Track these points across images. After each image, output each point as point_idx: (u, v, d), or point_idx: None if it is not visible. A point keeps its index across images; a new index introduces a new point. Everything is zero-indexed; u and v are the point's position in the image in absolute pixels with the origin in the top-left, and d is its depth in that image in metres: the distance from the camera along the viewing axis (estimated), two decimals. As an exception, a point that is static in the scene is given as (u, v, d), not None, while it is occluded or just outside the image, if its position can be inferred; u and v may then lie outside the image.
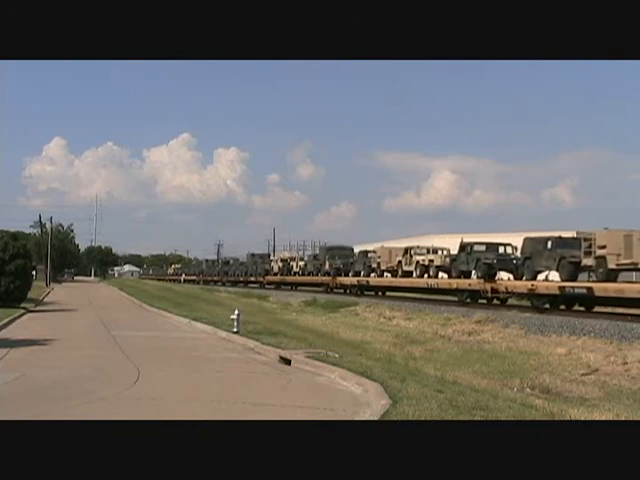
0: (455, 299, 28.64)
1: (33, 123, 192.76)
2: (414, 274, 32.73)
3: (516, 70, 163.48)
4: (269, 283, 52.22)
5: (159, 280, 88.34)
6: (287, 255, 55.34)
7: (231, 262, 68.82)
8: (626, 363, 14.55)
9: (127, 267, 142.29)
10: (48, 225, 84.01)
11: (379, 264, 36.06)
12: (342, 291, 39.49)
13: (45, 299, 36.87)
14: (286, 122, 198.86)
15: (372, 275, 37.28)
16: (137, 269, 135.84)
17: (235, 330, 16.30)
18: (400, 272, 33.67)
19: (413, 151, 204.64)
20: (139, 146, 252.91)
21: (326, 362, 11.09)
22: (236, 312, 16.73)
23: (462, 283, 28.31)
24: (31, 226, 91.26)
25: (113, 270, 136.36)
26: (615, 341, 16.37)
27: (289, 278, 49.74)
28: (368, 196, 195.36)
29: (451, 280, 29.45)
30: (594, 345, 16.43)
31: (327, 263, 41.81)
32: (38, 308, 28.09)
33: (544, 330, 18.90)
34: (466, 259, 28.32)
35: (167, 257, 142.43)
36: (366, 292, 36.45)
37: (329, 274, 41.43)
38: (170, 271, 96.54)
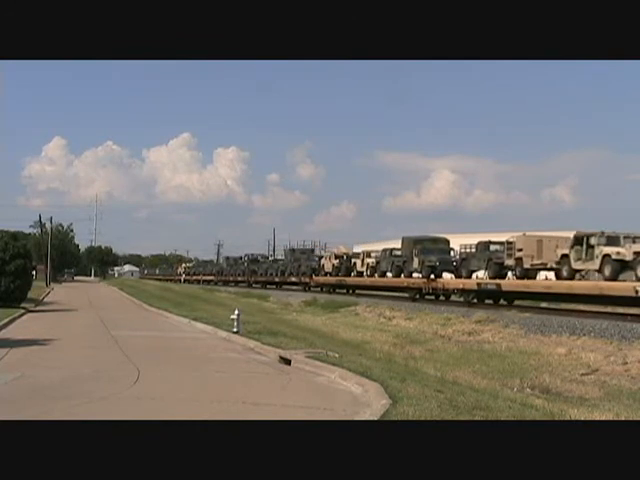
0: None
1: (33, 123, 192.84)
2: (590, 274, 22.06)
3: (516, 70, 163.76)
4: (319, 285, 42.82)
5: (167, 281, 79.97)
6: (344, 250, 43.35)
7: (260, 259, 59.57)
8: (626, 363, 14.57)
9: (127, 267, 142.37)
10: (48, 225, 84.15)
11: (520, 260, 24.72)
12: (433, 297, 29.82)
13: (45, 299, 36.86)
14: (286, 122, 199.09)
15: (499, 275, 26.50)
16: (137, 269, 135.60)
17: (235, 330, 16.30)
18: (566, 271, 22.45)
19: (413, 151, 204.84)
20: (139, 146, 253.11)
21: (326, 362, 11.09)
22: (236, 312, 16.73)
23: None
24: (31, 226, 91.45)
25: (113, 270, 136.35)
26: (615, 341, 16.39)
27: (351, 279, 38.92)
28: (368, 196, 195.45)
29: None
30: (594, 345, 16.44)
31: (415, 260, 30.93)
32: (38, 308, 28.09)
33: (544, 330, 18.92)
34: None
35: (167, 257, 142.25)
36: (486, 301, 26.87)
37: (413, 274, 31.49)
38: (180, 270, 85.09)
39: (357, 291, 38.38)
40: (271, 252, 73.70)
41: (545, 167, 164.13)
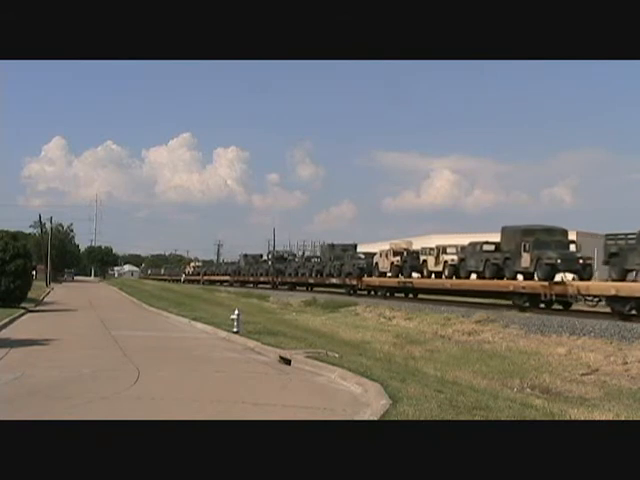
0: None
1: (33, 123, 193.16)
2: None
3: (516, 70, 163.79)
4: (370, 288, 35.54)
5: (173, 281, 74.86)
6: (403, 245, 35.61)
7: (287, 257, 53.02)
8: (626, 363, 14.57)
9: (127, 267, 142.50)
10: (48, 225, 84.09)
11: None
12: (543, 305, 23.15)
13: (45, 299, 36.83)
14: (286, 122, 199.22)
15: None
16: (137, 269, 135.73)
17: (235, 330, 16.30)
18: None
19: (413, 151, 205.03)
20: (139, 146, 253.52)
21: (326, 362, 11.09)
22: (236, 312, 16.74)
23: None
24: (31, 226, 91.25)
25: (113, 270, 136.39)
26: (615, 341, 16.40)
27: (420, 281, 31.15)
28: (368, 196, 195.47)
29: None
30: (594, 345, 16.44)
31: (524, 256, 23.62)
32: (38, 308, 28.07)
33: (544, 330, 18.91)
34: None
35: (167, 257, 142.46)
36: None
37: (517, 275, 24.57)
38: (189, 270, 79.56)
39: (420, 296, 31.22)
40: (271, 251, 71.79)
41: (545, 167, 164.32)
